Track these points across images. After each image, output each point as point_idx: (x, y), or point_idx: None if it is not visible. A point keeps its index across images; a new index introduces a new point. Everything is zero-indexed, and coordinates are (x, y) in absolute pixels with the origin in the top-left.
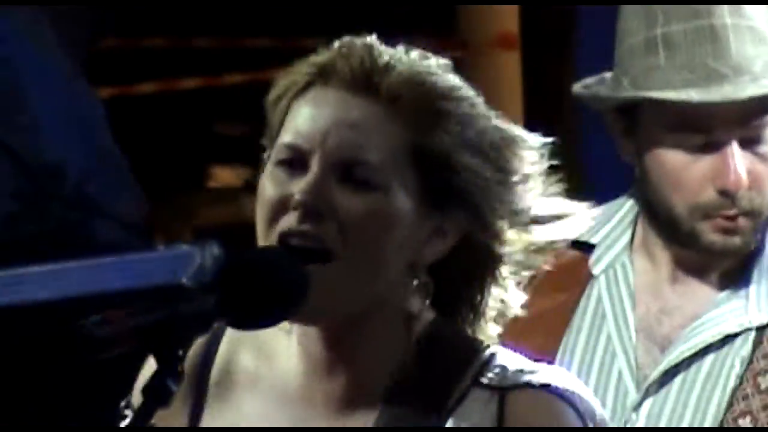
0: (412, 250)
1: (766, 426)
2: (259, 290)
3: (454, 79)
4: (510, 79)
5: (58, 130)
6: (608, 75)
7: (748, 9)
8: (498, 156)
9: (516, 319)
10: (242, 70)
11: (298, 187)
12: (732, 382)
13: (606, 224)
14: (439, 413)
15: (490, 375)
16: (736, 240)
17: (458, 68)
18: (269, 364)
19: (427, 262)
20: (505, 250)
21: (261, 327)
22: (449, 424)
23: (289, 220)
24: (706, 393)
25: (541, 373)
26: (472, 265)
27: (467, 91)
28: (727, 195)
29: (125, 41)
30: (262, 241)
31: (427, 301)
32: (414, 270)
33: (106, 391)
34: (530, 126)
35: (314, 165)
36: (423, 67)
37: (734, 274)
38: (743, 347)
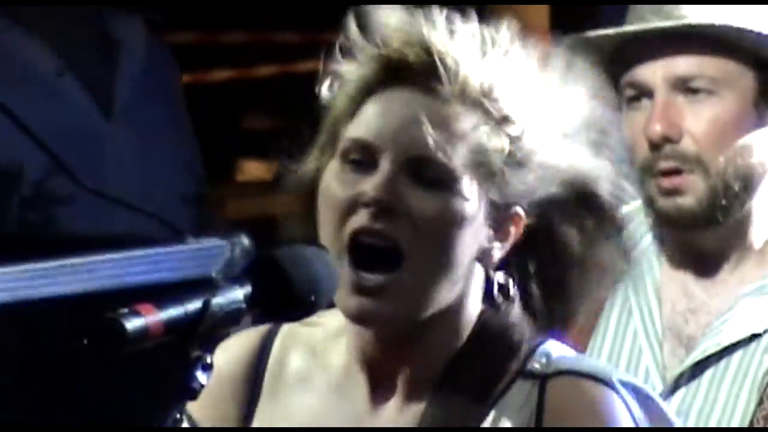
0: (480, 252)
1: None
2: (288, 284)
3: (527, 69)
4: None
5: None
6: None
7: None
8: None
9: None
10: (271, 63)
11: (371, 184)
12: (760, 379)
13: (630, 223)
14: (484, 404)
15: (535, 364)
16: (687, 200)
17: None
18: (321, 362)
19: (488, 265)
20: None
21: (289, 320)
22: (493, 414)
23: (361, 219)
24: (735, 389)
25: (586, 361)
26: (543, 264)
27: (538, 80)
28: (654, 146)
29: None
30: (327, 242)
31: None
32: (482, 267)
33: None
34: None
35: (385, 163)
36: (496, 58)
37: (759, 266)
38: None
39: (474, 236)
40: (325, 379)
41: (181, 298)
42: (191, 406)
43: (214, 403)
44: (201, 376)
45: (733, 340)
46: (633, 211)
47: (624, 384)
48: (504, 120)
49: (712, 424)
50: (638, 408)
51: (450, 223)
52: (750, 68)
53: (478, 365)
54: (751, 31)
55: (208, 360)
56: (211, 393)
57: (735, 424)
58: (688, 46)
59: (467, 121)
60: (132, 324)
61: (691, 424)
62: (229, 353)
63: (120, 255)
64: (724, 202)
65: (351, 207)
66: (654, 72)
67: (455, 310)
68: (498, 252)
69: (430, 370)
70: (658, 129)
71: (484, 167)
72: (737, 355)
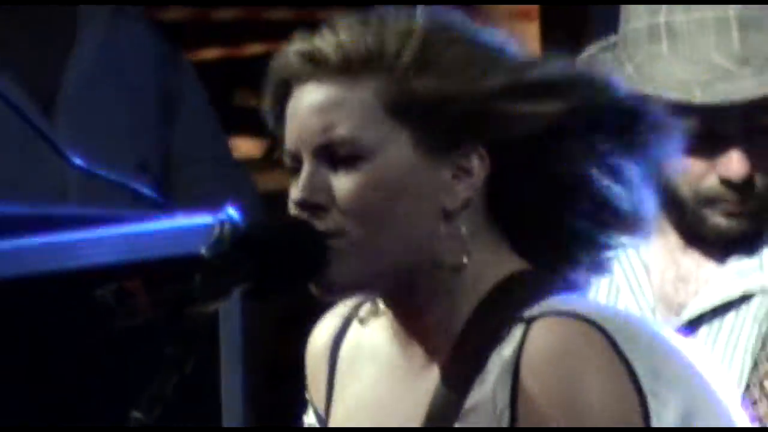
0: (437, 198)
1: None
2: (276, 260)
3: (409, 29)
4: (528, 50)
5: None
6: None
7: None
8: (484, 68)
9: None
10: (262, 40)
11: (296, 188)
12: (753, 343)
13: None
14: (487, 359)
15: (533, 311)
16: (742, 223)
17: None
18: (386, 338)
19: (458, 205)
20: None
21: (279, 296)
22: (489, 365)
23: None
24: (729, 350)
25: (580, 303)
26: (535, 197)
27: (428, 35)
28: (729, 184)
29: (144, 12)
30: None
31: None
32: (451, 218)
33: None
34: None
35: (305, 163)
36: (367, 30)
37: (746, 240)
38: (760, 309)
39: (422, 187)
40: (382, 355)
41: (170, 274)
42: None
43: (311, 382)
44: (190, 352)
45: (725, 298)
46: None
47: (619, 327)
48: (399, 75)
49: None
50: (632, 348)
51: (375, 192)
52: None
53: (488, 326)
54: None
55: (197, 337)
56: (308, 372)
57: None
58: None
59: (361, 89)
60: (121, 300)
61: None
62: (315, 335)
63: (108, 231)
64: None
65: (296, 212)
66: (729, 120)
67: (444, 263)
68: (464, 191)
69: (451, 335)
70: (744, 171)
71: (402, 122)
72: (730, 316)
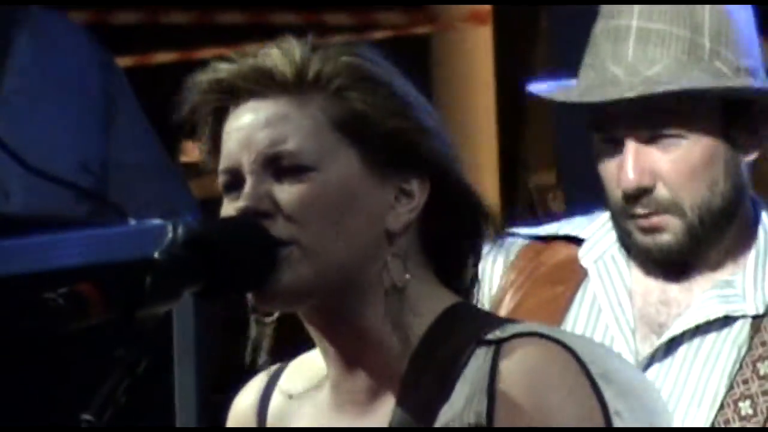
0: (381, 217)
1: (766, 409)
2: (227, 262)
3: (357, 54)
4: (482, 54)
5: None
6: None
7: (664, 12)
8: (418, 106)
9: (515, 311)
10: (215, 44)
11: (241, 198)
12: (731, 366)
13: (597, 219)
14: (448, 392)
15: (495, 332)
16: (665, 237)
17: (427, 44)
18: (318, 383)
19: (399, 228)
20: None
21: (229, 297)
22: (457, 387)
23: None
24: (706, 372)
25: (542, 327)
26: (456, 225)
27: (373, 62)
28: (626, 196)
29: (98, 15)
30: None
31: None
32: (391, 240)
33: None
34: (503, 100)
35: (248, 176)
36: (319, 51)
37: (728, 266)
38: (740, 334)
39: (367, 206)
40: (317, 396)
41: (122, 276)
42: None
43: None
44: (142, 353)
45: (708, 318)
46: (604, 217)
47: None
48: (348, 94)
49: (683, 404)
50: (599, 366)
51: (321, 201)
52: (717, 104)
53: (442, 351)
54: (716, 88)
55: (150, 338)
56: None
57: (705, 406)
58: (654, 100)
59: (309, 106)
60: (73, 303)
61: None
62: (239, 402)
63: (63, 236)
64: (702, 235)
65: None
66: (622, 126)
67: (380, 285)
68: (407, 214)
69: (398, 361)
70: (631, 179)
71: (349, 141)
72: (710, 337)
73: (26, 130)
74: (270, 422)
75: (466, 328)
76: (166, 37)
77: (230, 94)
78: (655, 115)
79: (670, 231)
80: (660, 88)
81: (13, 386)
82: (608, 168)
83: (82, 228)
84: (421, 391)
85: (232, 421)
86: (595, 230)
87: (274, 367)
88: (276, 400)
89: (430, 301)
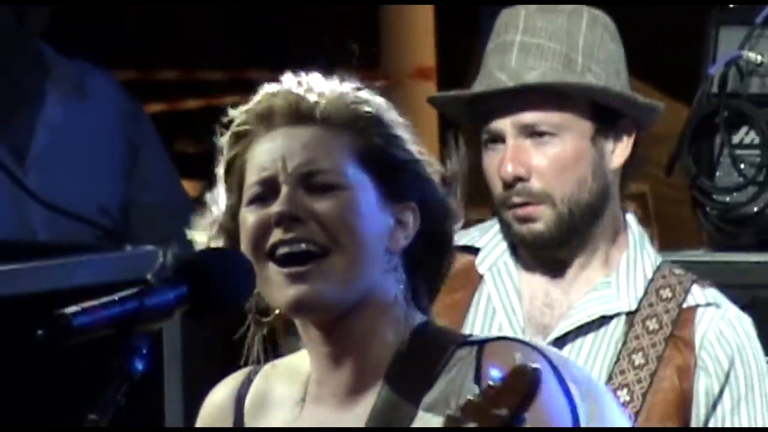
0: (384, 238)
1: (641, 395)
2: (211, 283)
3: (374, 97)
4: (427, 108)
5: None
6: None
7: (544, 30)
8: (419, 149)
9: None
10: (198, 96)
11: (276, 205)
12: (609, 359)
13: (489, 230)
14: (431, 382)
15: (471, 338)
16: (538, 226)
17: (382, 97)
18: (296, 379)
19: (397, 250)
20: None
21: (213, 314)
22: (438, 386)
23: (275, 235)
24: (588, 366)
25: (521, 337)
26: (431, 255)
27: (385, 105)
28: (507, 185)
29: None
30: (255, 266)
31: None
32: (390, 258)
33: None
34: (445, 148)
35: (284, 187)
36: (347, 91)
37: (602, 269)
38: (617, 329)
39: (379, 227)
40: (297, 392)
41: (120, 296)
42: None
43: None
44: (138, 363)
45: (587, 319)
46: (495, 228)
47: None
48: (367, 131)
49: None
50: (567, 375)
51: (352, 215)
52: (586, 112)
53: (422, 354)
54: (579, 84)
55: (144, 350)
56: (205, 423)
57: None
58: (531, 100)
59: (337, 137)
60: (78, 319)
61: None
62: (214, 395)
63: (69, 259)
64: (571, 226)
65: (264, 230)
66: (504, 121)
67: (384, 297)
68: (402, 239)
69: (380, 362)
70: (509, 170)
71: (366, 169)
72: (590, 336)
73: (54, 179)
74: (248, 414)
75: (444, 335)
76: (157, 91)
77: (267, 121)
78: (530, 111)
79: (542, 221)
80: (534, 81)
81: (14, 386)
82: (492, 163)
83: (85, 252)
84: (404, 381)
85: (205, 414)
86: (489, 240)
87: (249, 368)
88: (253, 394)
89: (410, 313)
